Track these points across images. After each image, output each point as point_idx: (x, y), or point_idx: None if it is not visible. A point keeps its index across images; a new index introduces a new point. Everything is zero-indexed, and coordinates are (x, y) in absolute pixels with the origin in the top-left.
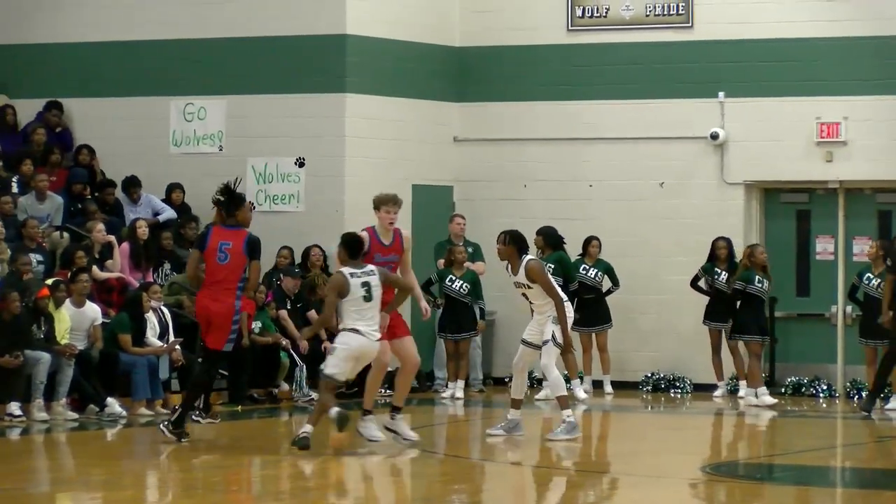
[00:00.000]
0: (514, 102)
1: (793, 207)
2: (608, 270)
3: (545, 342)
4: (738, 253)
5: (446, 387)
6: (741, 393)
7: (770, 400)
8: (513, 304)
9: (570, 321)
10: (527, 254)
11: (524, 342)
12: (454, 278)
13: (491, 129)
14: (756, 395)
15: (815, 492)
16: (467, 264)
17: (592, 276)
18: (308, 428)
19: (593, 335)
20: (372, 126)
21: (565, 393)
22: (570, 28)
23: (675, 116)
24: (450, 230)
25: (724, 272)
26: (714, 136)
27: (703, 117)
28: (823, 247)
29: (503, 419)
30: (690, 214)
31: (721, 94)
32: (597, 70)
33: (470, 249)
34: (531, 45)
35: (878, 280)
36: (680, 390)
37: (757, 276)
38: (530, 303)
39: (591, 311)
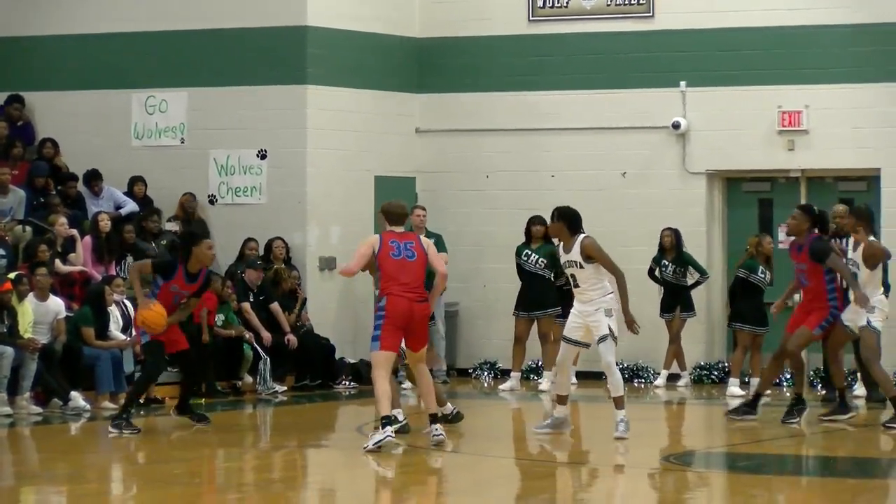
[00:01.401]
0: (476, 93)
1: (755, 196)
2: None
3: (603, 338)
4: (697, 243)
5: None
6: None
7: (738, 391)
8: (475, 295)
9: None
10: (581, 231)
11: (568, 340)
12: None
13: (453, 120)
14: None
15: (777, 480)
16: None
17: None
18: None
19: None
20: (333, 118)
21: (623, 393)
22: (531, 18)
23: (637, 106)
24: (411, 222)
25: (670, 263)
26: (676, 126)
27: (664, 107)
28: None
29: (548, 416)
30: (653, 204)
31: (682, 83)
32: (558, 60)
33: (432, 240)
34: (492, 35)
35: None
36: (644, 380)
37: (760, 267)
38: (575, 286)
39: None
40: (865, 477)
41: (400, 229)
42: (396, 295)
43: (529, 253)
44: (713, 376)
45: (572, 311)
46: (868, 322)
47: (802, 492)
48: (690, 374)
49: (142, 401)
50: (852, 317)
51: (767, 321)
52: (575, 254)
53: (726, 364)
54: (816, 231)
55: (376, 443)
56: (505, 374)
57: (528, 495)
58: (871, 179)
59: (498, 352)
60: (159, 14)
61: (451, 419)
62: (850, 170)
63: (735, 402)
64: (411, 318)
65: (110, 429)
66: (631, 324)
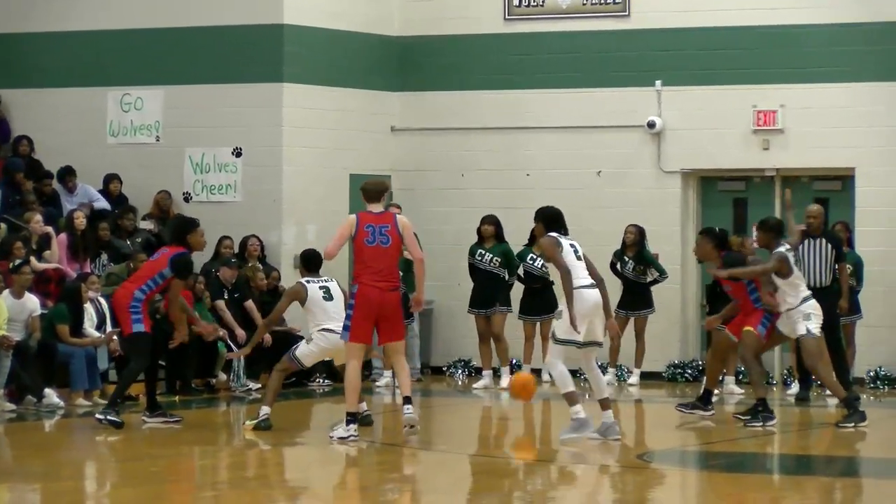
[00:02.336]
0: (453, 92)
1: (730, 195)
2: None
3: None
4: (672, 242)
5: (383, 375)
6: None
7: (737, 389)
8: (451, 293)
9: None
10: (555, 231)
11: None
12: None
13: (429, 119)
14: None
15: (749, 478)
16: (405, 253)
17: (539, 265)
18: (266, 409)
19: (538, 324)
20: (310, 116)
21: (568, 390)
22: (507, 17)
23: (613, 105)
24: None
25: (630, 260)
26: (651, 125)
27: (640, 106)
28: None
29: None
30: (628, 203)
31: (658, 82)
32: (534, 59)
33: None
34: (469, 34)
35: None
36: (618, 377)
37: None
38: None
39: (538, 300)
40: (839, 475)
41: (378, 208)
42: (367, 284)
43: (483, 252)
44: (687, 374)
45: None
46: (808, 330)
47: (775, 490)
48: (665, 373)
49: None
50: (788, 327)
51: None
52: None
53: (700, 363)
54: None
55: (340, 438)
56: (479, 372)
57: (499, 493)
58: (845, 179)
59: (473, 350)
60: (136, 12)
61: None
62: (825, 169)
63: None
64: (382, 307)
65: (97, 415)
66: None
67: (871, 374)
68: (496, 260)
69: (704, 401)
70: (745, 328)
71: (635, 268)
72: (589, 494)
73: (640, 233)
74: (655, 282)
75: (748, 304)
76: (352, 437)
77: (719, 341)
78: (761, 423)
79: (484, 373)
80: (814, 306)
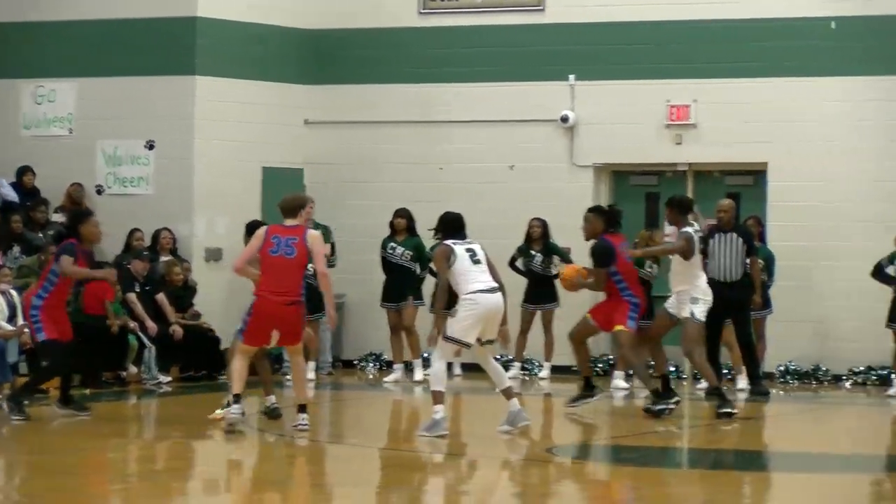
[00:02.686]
0: (366, 85)
1: (642, 190)
2: None
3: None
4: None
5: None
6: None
7: (623, 384)
8: (363, 287)
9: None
10: (448, 236)
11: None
12: None
13: (342, 112)
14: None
15: (656, 472)
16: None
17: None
18: (272, 398)
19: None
20: (222, 108)
21: (438, 389)
22: (421, 11)
23: (526, 99)
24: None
25: (538, 253)
26: (564, 119)
27: (553, 100)
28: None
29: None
30: (541, 197)
31: (572, 77)
32: (449, 53)
33: (319, 231)
34: (384, 27)
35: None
36: (528, 372)
37: (648, 261)
38: None
39: (540, 291)
40: (748, 469)
41: (292, 222)
42: (265, 297)
43: (395, 245)
44: (597, 369)
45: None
46: (692, 314)
47: (684, 484)
48: (576, 367)
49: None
50: (675, 307)
51: (654, 314)
52: None
53: (611, 357)
54: (611, 230)
55: (228, 423)
56: (391, 365)
57: (408, 486)
58: (757, 174)
59: (384, 343)
60: (50, 4)
61: (271, 413)
62: (737, 164)
63: (619, 395)
64: (279, 320)
65: (3, 405)
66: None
67: (782, 368)
68: (408, 253)
69: (587, 388)
70: (617, 327)
71: (543, 261)
72: (494, 488)
73: (544, 225)
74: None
75: (615, 294)
76: (234, 416)
77: (579, 329)
78: (664, 407)
79: (395, 366)
80: (704, 292)
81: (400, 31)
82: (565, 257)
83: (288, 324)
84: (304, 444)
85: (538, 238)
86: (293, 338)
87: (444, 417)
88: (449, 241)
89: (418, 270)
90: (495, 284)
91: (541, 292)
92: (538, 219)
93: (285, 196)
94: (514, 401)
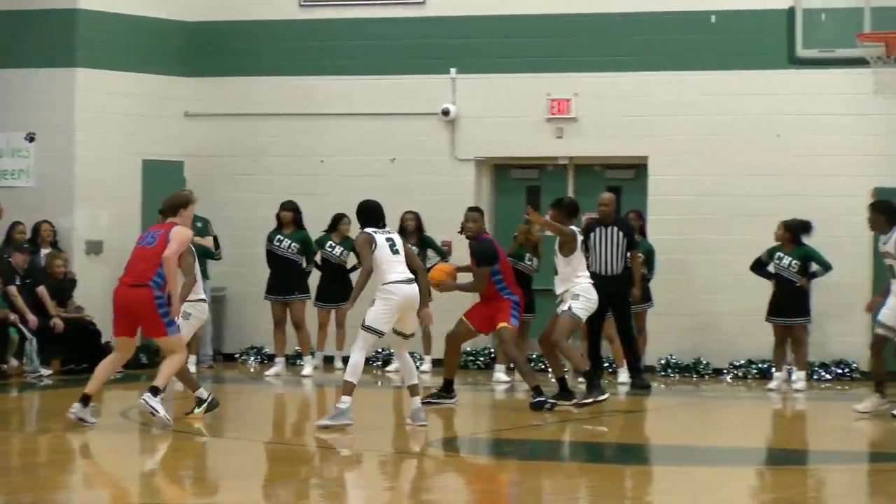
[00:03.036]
0: (248, 77)
1: (523, 183)
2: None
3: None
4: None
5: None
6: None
7: (504, 378)
8: (244, 279)
9: None
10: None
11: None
12: None
13: (224, 104)
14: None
15: (539, 465)
16: (196, 239)
17: (337, 253)
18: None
19: (333, 312)
20: (103, 101)
21: (349, 380)
22: (302, 3)
23: (408, 92)
24: None
25: (413, 246)
26: (445, 113)
27: (434, 93)
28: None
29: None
30: (423, 190)
31: (453, 70)
32: (330, 46)
33: (199, 224)
34: (264, 20)
35: None
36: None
37: (528, 255)
38: None
39: (338, 287)
40: (629, 463)
41: (174, 219)
42: (119, 283)
43: (281, 238)
44: (479, 362)
45: None
46: (570, 307)
47: (565, 477)
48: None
49: None
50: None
51: (534, 308)
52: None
53: (491, 350)
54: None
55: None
56: (272, 359)
57: (289, 480)
58: (638, 167)
59: (265, 337)
60: None
61: (209, 406)
62: (617, 158)
63: (500, 388)
64: (125, 302)
65: None
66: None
67: (663, 361)
68: (294, 246)
69: (447, 390)
70: (500, 324)
71: (418, 254)
72: (382, 481)
73: (418, 218)
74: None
75: (493, 294)
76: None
77: (456, 332)
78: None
79: (277, 360)
80: (586, 290)
81: (281, 24)
82: (440, 251)
83: (134, 306)
84: (186, 437)
85: (412, 231)
86: (153, 328)
87: (348, 409)
88: (369, 230)
89: (304, 264)
90: (411, 276)
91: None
92: (411, 212)
93: (165, 199)
94: (417, 399)
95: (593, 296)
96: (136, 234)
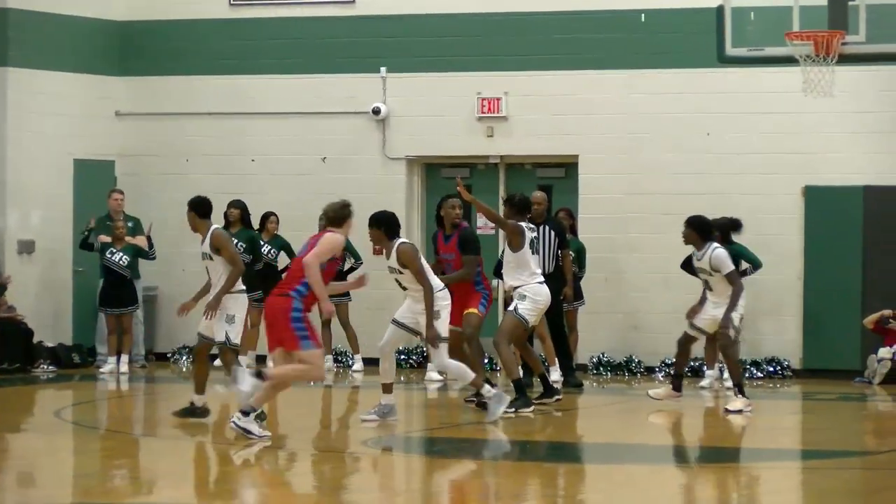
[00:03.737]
0: (178, 77)
1: (454, 182)
2: (284, 247)
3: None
4: None
5: (107, 362)
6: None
7: (437, 376)
8: (175, 279)
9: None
10: (398, 237)
11: (397, 323)
12: (114, 252)
13: (155, 104)
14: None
15: (472, 464)
16: (128, 239)
17: (266, 251)
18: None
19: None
20: (34, 101)
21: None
22: (232, 2)
23: (338, 91)
24: (108, 205)
25: None
26: (376, 112)
27: (365, 92)
28: (485, 221)
29: (376, 404)
30: (354, 189)
31: (383, 69)
32: (260, 45)
33: (130, 224)
34: (195, 19)
35: None
36: (341, 364)
37: None
38: (402, 288)
39: (270, 285)
40: (561, 461)
41: (335, 229)
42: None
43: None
44: (412, 361)
45: (406, 301)
46: (515, 308)
47: (497, 475)
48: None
49: None
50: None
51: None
52: (393, 261)
53: (424, 350)
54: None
55: None
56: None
57: (225, 480)
58: (569, 166)
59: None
60: None
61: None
62: (548, 156)
63: (433, 387)
64: (266, 312)
65: None
66: (433, 339)
67: (594, 360)
68: (241, 245)
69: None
70: (468, 311)
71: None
72: (315, 480)
73: None
74: (352, 269)
75: (467, 287)
76: None
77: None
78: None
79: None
80: (535, 291)
81: (211, 23)
82: (354, 253)
83: (269, 317)
84: (118, 436)
85: None
86: (287, 341)
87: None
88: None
89: (251, 262)
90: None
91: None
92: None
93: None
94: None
95: (542, 297)
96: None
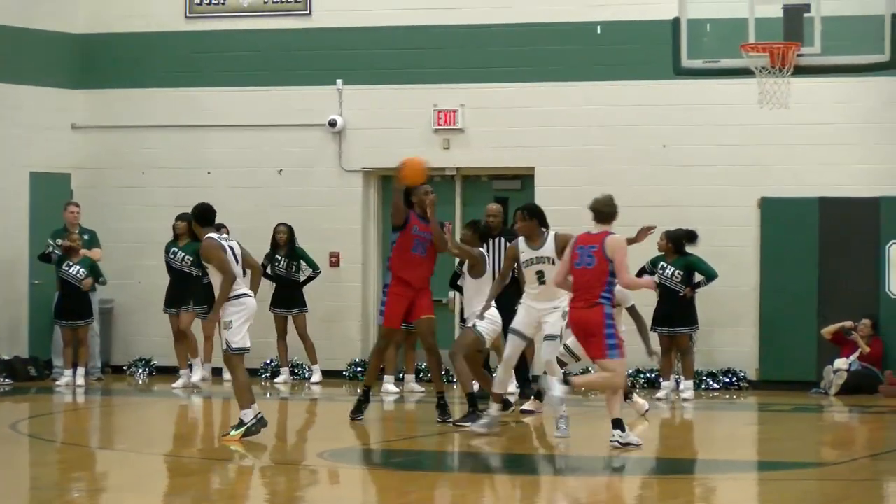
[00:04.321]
0: (135, 89)
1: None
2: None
3: (551, 336)
4: (353, 240)
5: (63, 374)
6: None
7: (393, 388)
8: (131, 291)
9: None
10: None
11: (517, 333)
12: (71, 264)
13: (111, 116)
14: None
15: (428, 476)
16: (84, 252)
17: (180, 259)
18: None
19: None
20: None
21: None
22: (188, 15)
23: (295, 104)
24: (64, 218)
25: (283, 258)
26: (332, 124)
27: (321, 105)
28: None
29: (484, 413)
30: (311, 202)
31: (339, 81)
32: (217, 57)
33: (86, 236)
34: (151, 32)
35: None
36: (298, 376)
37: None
38: (541, 283)
39: (287, 296)
40: (518, 473)
41: (606, 227)
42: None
43: (176, 250)
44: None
45: (524, 306)
46: (475, 325)
47: (454, 487)
48: (346, 372)
49: None
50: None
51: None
52: (548, 249)
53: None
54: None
55: None
56: (161, 371)
57: (179, 492)
58: (525, 178)
59: (154, 349)
60: None
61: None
62: (504, 168)
63: (390, 399)
64: (579, 323)
65: None
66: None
67: None
68: (188, 258)
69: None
70: (424, 316)
71: (288, 265)
72: (267, 492)
73: (290, 231)
74: (310, 279)
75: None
76: None
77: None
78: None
79: (181, 372)
80: (492, 314)
81: (167, 36)
82: (311, 263)
83: (584, 326)
84: (74, 449)
85: (284, 243)
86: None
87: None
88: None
89: (200, 275)
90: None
91: (288, 297)
92: (284, 224)
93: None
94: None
95: (498, 319)
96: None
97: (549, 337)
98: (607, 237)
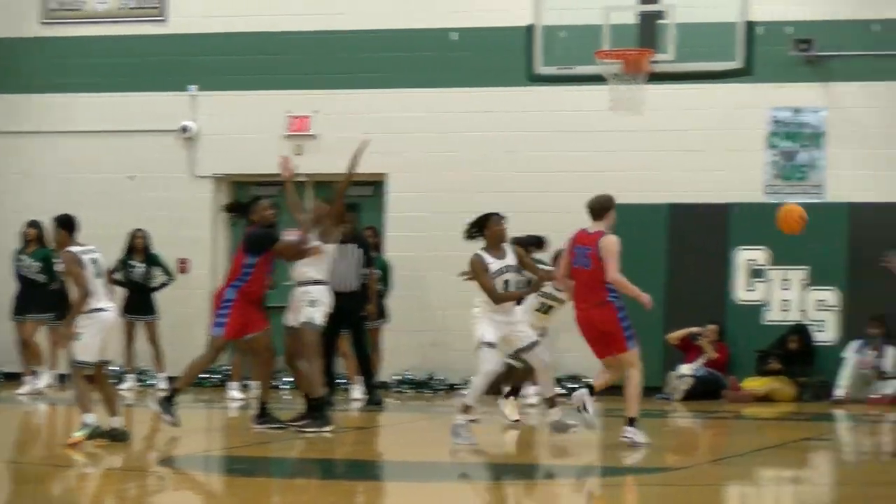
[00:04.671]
0: None
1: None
2: (45, 258)
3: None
4: (203, 247)
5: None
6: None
7: (238, 395)
8: None
9: None
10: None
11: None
12: None
13: None
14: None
15: (269, 483)
16: None
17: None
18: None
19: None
20: None
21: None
22: (42, 21)
23: (147, 109)
24: None
25: (140, 264)
26: (184, 130)
27: (174, 110)
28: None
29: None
30: (162, 208)
31: (192, 87)
32: (70, 63)
33: None
34: (4, 37)
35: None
36: (143, 383)
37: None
38: None
39: (141, 302)
40: (361, 479)
41: (601, 223)
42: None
43: (23, 257)
44: (214, 379)
45: (487, 318)
46: (310, 318)
47: (296, 494)
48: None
49: None
50: (291, 314)
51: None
52: (511, 258)
53: (228, 368)
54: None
55: None
56: (9, 377)
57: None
58: (377, 184)
59: (1, 355)
60: None
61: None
62: (356, 175)
63: (234, 405)
64: (589, 324)
65: None
66: None
67: (398, 378)
68: (35, 265)
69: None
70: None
71: (147, 271)
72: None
73: (146, 236)
74: (164, 285)
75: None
76: None
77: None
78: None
79: (25, 378)
80: (322, 292)
81: (21, 41)
82: (167, 269)
83: (597, 325)
84: None
85: (141, 249)
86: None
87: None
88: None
89: (47, 282)
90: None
91: (141, 303)
92: (141, 229)
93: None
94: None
95: (325, 300)
96: None
97: (535, 343)
98: (601, 239)
